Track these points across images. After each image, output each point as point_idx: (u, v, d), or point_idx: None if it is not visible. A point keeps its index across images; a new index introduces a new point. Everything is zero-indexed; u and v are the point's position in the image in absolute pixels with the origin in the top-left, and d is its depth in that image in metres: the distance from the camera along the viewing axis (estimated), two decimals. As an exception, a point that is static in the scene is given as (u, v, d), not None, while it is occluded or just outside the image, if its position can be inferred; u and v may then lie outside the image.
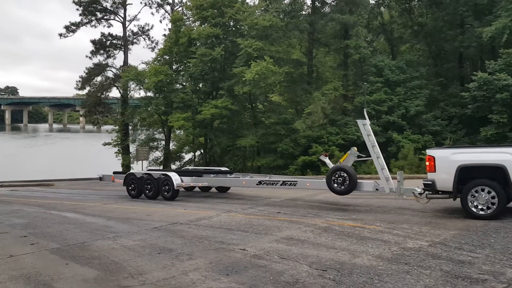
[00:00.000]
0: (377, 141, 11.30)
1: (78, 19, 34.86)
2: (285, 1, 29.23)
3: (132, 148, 32.77)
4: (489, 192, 8.46)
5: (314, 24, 28.43)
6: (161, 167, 30.04)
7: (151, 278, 5.52)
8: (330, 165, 11.78)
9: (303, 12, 29.95)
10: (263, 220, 9.36)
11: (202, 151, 30.86)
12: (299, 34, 29.42)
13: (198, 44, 28.53)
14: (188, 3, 30.18)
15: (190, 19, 31.18)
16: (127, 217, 10.45)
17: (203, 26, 28.04)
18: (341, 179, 10.78)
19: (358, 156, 11.68)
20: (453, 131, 24.82)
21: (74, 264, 6.38)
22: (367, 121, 11.25)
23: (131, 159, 31.46)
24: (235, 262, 6.11)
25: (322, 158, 12.54)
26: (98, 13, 34.11)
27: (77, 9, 33.77)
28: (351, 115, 26.56)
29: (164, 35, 35.35)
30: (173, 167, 30.56)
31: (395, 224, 8.44)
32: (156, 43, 35.89)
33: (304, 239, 7.40)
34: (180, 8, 34.34)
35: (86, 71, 33.92)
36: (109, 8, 34.10)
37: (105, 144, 33.03)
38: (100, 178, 17.07)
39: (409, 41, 32.71)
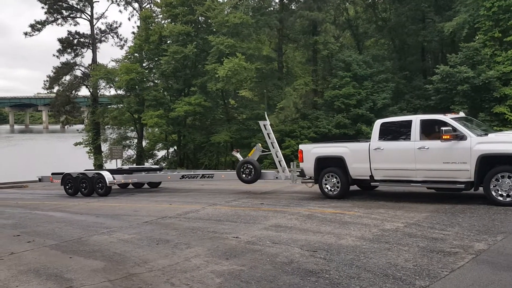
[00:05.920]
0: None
1: (43, 16, 34.14)
2: (254, -2, 29.71)
3: (104, 147, 32.62)
4: (336, 178, 10.81)
5: (283, 21, 29.01)
6: (134, 165, 30.07)
7: (156, 265, 5.95)
8: (240, 159, 13.51)
9: (271, 9, 30.51)
10: (249, 211, 9.88)
11: (176, 148, 31.08)
12: (269, 31, 29.96)
13: (169, 42, 28.68)
14: (157, 0, 30.19)
15: (160, 16, 31.27)
16: (116, 214, 10.75)
17: (173, 23, 28.15)
18: (248, 170, 12.99)
19: (263, 151, 13.72)
20: (418, 122, 25.99)
21: (78, 257, 6.72)
22: (268, 122, 13.11)
23: (104, 158, 31.32)
24: (232, 248, 6.61)
25: (234, 153, 14.40)
26: (64, 11, 33.56)
27: (42, 7, 33.18)
28: (321, 109, 27.34)
29: (133, 32, 35.24)
30: (147, 164, 30.61)
31: (372, 209, 9.13)
32: (125, 41, 35.68)
33: (291, 226, 7.97)
34: (149, 6, 34.26)
35: (54, 70, 33.37)
36: (75, 6, 33.63)
37: (76, 144, 32.69)
38: (40, 179, 18.17)
39: (374, 36, 33.77)
